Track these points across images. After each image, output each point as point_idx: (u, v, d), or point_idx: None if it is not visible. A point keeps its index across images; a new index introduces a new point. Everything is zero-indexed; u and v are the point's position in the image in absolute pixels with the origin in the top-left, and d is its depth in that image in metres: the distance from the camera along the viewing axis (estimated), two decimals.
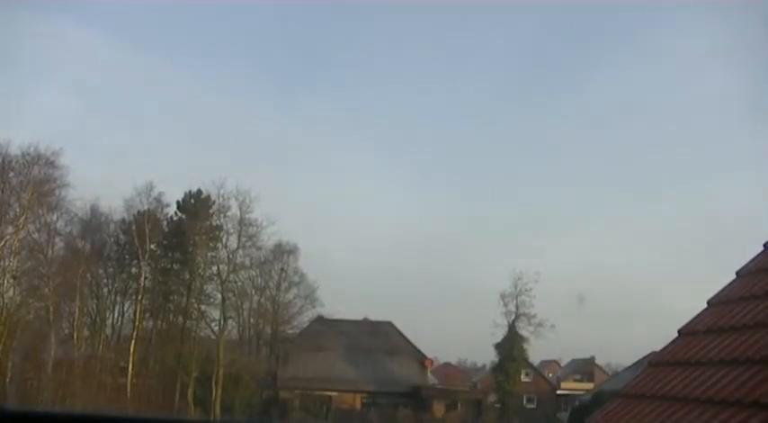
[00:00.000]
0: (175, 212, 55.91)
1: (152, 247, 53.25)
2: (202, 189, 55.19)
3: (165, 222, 55.74)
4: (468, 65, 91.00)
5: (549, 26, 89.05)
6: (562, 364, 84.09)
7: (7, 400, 38.62)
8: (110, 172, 74.88)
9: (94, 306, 52.28)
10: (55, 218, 48.60)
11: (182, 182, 62.22)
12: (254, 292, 58.22)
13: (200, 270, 54.05)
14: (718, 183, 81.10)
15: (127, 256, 54.32)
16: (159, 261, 55.50)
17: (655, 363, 6.47)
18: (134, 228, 51.64)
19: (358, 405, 53.01)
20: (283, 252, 56.62)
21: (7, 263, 44.83)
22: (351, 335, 56.60)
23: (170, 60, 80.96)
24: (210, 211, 54.80)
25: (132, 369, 48.01)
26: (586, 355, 78.40)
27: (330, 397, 51.80)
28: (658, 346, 6.79)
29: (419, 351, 57.02)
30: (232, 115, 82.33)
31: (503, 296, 55.98)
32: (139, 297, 51.76)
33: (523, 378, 62.70)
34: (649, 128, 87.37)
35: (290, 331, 58.35)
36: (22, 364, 41.70)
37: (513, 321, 56.19)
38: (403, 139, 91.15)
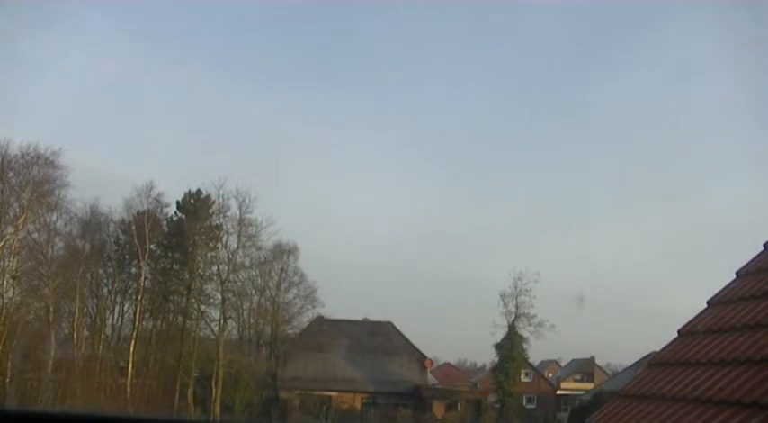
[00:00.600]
0: (175, 212, 55.96)
1: (152, 247, 53.23)
2: (202, 189, 55.26)
3: (164, 222, 55.71)
4: (473, 63, 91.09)
5: (553, 28, 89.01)
6: (562, 364, 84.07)
7: (7, 399, 38.59)
8: (110, 172, 74.80)
9: (94, 306, 52.26)
10: (54, 218, 48.62)
11: (182, 182, 62.28)
12: (253, 292, 58.19)
13: (199, 270, 54.04)
14: (719, 183, 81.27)
15: (127, 256, 54.30)
16: (159, 261, 55.48)
17: (654, 363, 6.47)
18: (134, 228, 51.59)
19: (358, 405, 53.04)
20: (283, 252, 56.60)
21: (7, 263, 44.82)
22: (351, 335, 56.62)
23: (170, 60, 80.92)
24: (210, 211, 54.79)
25: (132, 369, 47.95)
26: (586, 355, 78.49)
27: (330, 397, 51.82)
28: (658, 347, 6.79)
29: (419, 351, 57.03)
30: (232, 115, 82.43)
31: (503, 296, 56.07)
32: (139, 297, 51.73)
33: (523, 378, 62.75)
34: (650, 128, 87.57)
35: (289, 331, 58.27)
36: (22, 364, 41.67)
37: (513, 321, 56.19)
38: (403, 139, 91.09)
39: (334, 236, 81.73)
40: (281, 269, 57.18)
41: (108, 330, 53.50)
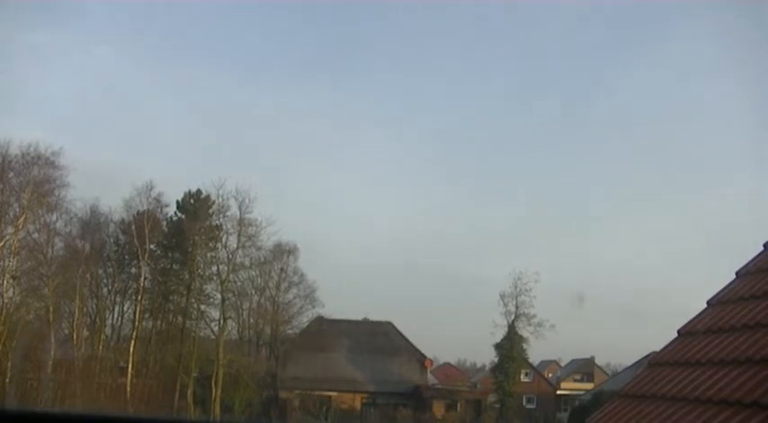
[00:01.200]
0: (175, 212, 55.97)
1: (152, 247, 53.23)
2: (202, 189, 55.29)
3: (164, 222, 55.71)
4: (473, 63, 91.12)
5: (553, 28, 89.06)
6: (562, 364, 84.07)
7: (7, 399, 38.59)
8: (109, 172, 74.81)
9: (94, 306, 52.24)
10: (54, 218, 48.59)
11: (182, 182, 62.24)
12: (253, 292, 58.18)
13: (199, 270, 54.03)
14: (719, 183, 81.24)
15: (126, 257, 54.28)
16: (159, 261, 55.47)
17: (654, 363, 6.47)
18: (134, 228, 51.57)
19: (358, 405, 53.04)
20: (283, 252, 56.59)
21: (7, 263, 44.81)
22: (351, 335, 56.60)
23: (170, 60, 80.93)
24: (210, 211, 54.79)
25: (132, 369, 47.93)
26: (586, 355, 78.54)
27: (330, 397, 51.81)
28: (658, 347, 6.79)
29: (419, 351, 57.04)
30: (232, 115, 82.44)
31: (502, 296, 56.09)
32: (139, 297, 51.71)
33: (523, 378, 62.72)
34: (650, 128, 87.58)
35: (289, 331, 58.26)
36: (22, 364, 41.68)
37: (513, 321, 56.20)
38: (403, 139, 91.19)
39: (334, 236, 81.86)
40: (281, 269, 57.20)
41: (108, 330, 53.52)
